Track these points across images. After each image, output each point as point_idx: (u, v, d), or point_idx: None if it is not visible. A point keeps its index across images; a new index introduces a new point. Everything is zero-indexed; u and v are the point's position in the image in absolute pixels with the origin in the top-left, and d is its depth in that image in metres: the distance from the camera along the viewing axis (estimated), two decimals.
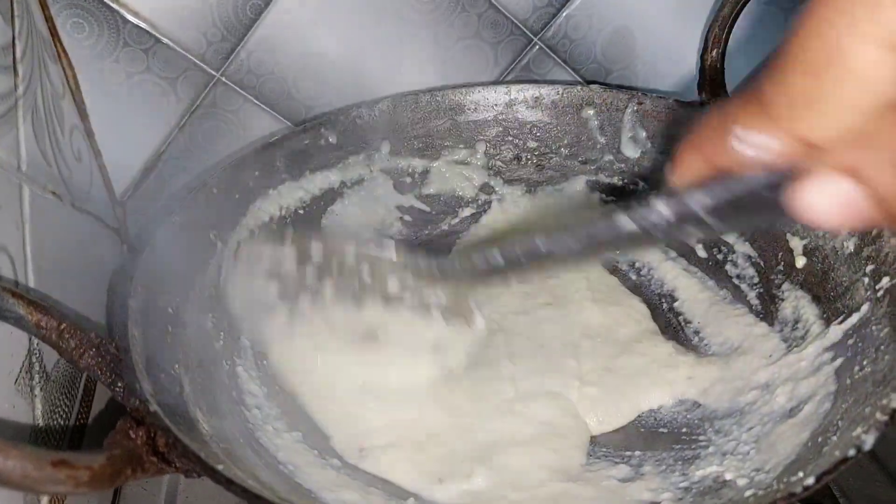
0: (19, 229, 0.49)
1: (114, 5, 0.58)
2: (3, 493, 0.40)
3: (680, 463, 0.47)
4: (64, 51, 0.60)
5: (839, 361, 0.46)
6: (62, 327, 0.37)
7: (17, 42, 0.52)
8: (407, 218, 0.65)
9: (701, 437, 0.49)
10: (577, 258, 0.38)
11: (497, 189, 0.66)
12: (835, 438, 0.40)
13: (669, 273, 0.62)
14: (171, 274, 0.47)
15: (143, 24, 0.60)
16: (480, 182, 0.66)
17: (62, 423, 0.50)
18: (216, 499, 0.52)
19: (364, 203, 0.63)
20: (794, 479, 0.37)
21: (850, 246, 0.50)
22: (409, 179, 0.65)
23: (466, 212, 0.67)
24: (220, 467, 0.33)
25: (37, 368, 0.48)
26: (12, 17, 0.52)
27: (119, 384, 0.37)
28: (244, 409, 0.47)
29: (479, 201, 0.67)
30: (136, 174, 0.67)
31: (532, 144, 0.66)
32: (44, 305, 0.37)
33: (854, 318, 0.47)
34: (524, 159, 0.66)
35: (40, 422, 0.47)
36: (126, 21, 0.59)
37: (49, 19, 0.58)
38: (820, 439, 0.41)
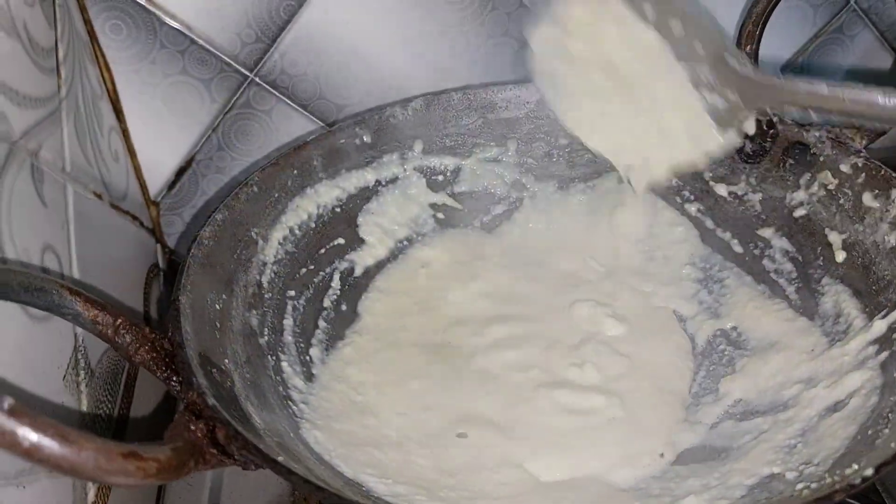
0: (64, 229, 0.49)
1: (151, 8, 0.59)
2: (53, 481, 0.41)
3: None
4: (102, 52, 0.60)
5: (884, 355, 0.45)
6: (118, 323, 0.37)
7: (59, 45, 0.52)
8: (440, 215, 0.65)
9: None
10: None
11: (529, 186, 0.66)
12: (887, 431, 0.39)
13: None
14: (217, 271, 0.48)
15: (178, 26, 0.60)
16: (512, 179, 0.66)
17: (106, 417, 0.51)
18: (259, 494, 0.53)
19: (398, 201, 0.63)
20: (849, 471, 0.37)
21: (892, 240, 0.49)
22: (441, 177, 0.65)
23: (499, 209, 0.66)
24: (280, 458, 0.33)
25: (82, 364, 0.48)
26: (55, 20, 0.52)
27: (175, 378, 0.37)
28: (291, 403, 0.47)
29: (511, 198, 0.66)
30: (170, 174, 0.68)
31: (563, 141, 0.65)
32: (100, 302, 0.37)
33: None
34: (555, 156, 0.66)
35: (87, 417, 0.48)
36: (163, 23, 0.60)
37: (88, 22, 0.59)
38: (870, 432, 0.41)
